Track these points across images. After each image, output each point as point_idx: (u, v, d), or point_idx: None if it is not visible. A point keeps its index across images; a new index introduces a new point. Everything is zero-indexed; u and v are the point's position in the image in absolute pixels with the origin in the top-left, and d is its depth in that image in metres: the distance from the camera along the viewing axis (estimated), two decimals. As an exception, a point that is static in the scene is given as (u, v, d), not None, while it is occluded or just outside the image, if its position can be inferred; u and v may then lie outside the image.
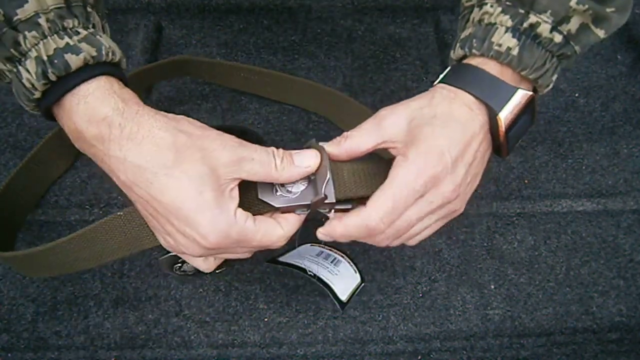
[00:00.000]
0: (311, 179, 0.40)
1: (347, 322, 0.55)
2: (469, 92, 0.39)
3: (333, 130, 0.68)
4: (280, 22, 0.79)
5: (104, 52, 0.36)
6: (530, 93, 0.40)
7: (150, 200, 0.36)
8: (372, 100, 0.70)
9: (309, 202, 0.39)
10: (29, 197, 0.60)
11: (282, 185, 0.40)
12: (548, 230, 0.62)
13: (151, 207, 0.36)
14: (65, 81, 0.35)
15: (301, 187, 0.40)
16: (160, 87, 0.71)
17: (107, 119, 0.35)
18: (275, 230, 0.39)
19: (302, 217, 0.41)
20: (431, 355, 0.54)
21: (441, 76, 0.42)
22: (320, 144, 0.41)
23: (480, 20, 0.40)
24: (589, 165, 0.66)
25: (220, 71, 0.70)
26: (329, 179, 0.39)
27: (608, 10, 0.39)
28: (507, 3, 0.39)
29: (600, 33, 0.40)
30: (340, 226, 0.40)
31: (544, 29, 0.38)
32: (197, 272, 0.55)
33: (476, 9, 0.41)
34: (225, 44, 0.76)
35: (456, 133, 0.39)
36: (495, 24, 0.39)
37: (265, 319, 0.55)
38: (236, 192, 0.37)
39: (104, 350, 0.53)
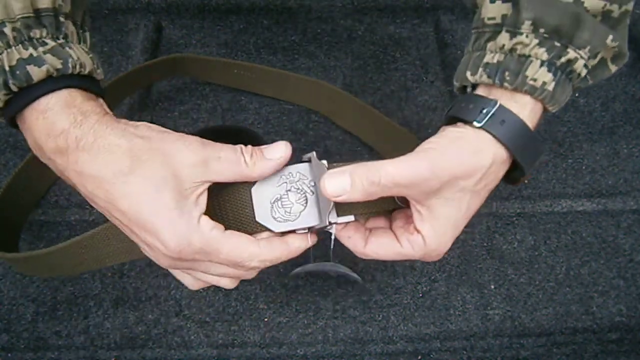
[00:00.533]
0: (309, 198, 0.39)
1: (347, 322, 0.55)
2: (507, 148, 0.37)
3: (333, 131, 0.68)
4: (280, 22, 0.79)
5: (70, 65, 0.35)
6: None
7: (112, 210, 0.35)
8: (372, 100, 0.70)
9: (311, 226, 0.39)
10: (29, 197, 0.60)
11: (280, 205, 0.38)
12: (548, 230, 0.62)
13: (115, 217, 0.35)
14: (27, 92, 0.34)
15: (300, 207, 0.39)
16: (161, 87, 0.71)
17: (64, 133, 0.34)
18: (248, 246, 0.37)
19: (288, 246, 0.39)
20: (431, 355, 0.54)
21: (486, 120, 0.37)
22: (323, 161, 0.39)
23: (512, 50, 0.37)
24: (589, 165, 0.66)
25: (214, 68, 0.71)
26: (332, 205, 0.38)
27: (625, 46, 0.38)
28: (545, 35, 0.36)
29: (613, 69, 0.39)
30: (339, 238, 0.41)
31: (580, 65, 0.37)
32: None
33: (505, 34, 0.37)
34: (225, 44, 0.76)
35: (477, 207, 0.39)
36: (530, 56, 0.37)
37: (265, 319, 0.55)
38: (204, 200, 0.36)
39: (104, 350, 0.53)
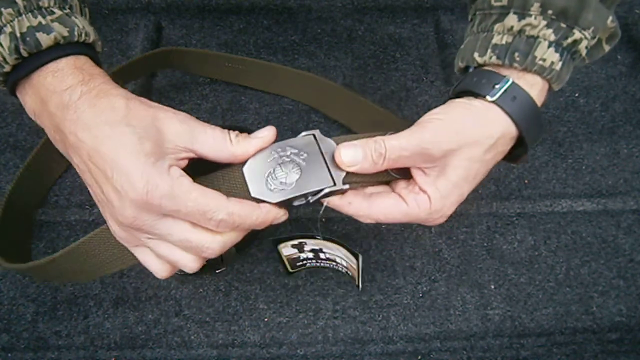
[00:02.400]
0: (302, 167, 0.39)
1: (347, 322, 0.55)
2: (516, 125, 0.38)
3: (333, 131, 0.68)
4: (280, 22, 0.79)
5: (76, 33, 0.37)
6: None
7: (92, 153, 0.35)
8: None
9: (310, 191, 0.39)
10: (33, 200, 0.60)
11: (275, 177, 0.39)
12: (548, 230, 0.62)
13: (91, 162, 0.36)
14: (36, 58, 0.36)
15: (295, 176, 0.39)
16: (161, 87, 0.72)
17: (71, 88, 0.36)
18: (216, 196, 0.36)
19: (260, 208, 0.38)
20: (431, 355, 0.54)
21: (498, 94, 0.39)
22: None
23: (521, 31, 0.39)
24: (589, 165, 0.66)
25: (205, 61, 0.71)
26: (330, 172, 0.39)
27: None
28: (552, 16, 0.38)
29: (607, 49, 0.40)
30: (338, 204, 0.41)
31: (583, 45, 0.38)
32: (197, 272, 0.55)
33: (513, 16, 0.39)
34: (225, 44, 0.76)
35: (482, 177, 0.40)
36: (538, 37, 0.38)
37: (265, 319, 0.55)
38: (181, 166, 0.37)
39: (104, 350, 0.53)
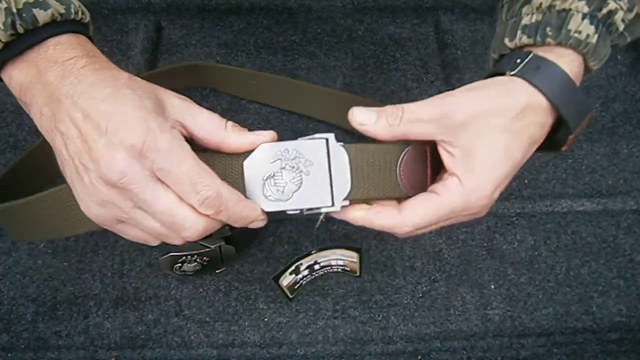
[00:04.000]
0: (304, 178, 0.37)
1: (347, 322, 0.55)
2: (551, 103, 0.37)
3: (333, 131, 0.68)
4: (280, 22, 0.79)
5: (72, 10, 0.37)
6: (595, 109, 0.39)
7: (88, 111, 0.33)
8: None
9: (302, 208, 0.37)
10: (26, 191, 0.60)
11: (273, 184, 0.37)
12: (548, 230, 0.62)
13: (84, 122, 0.34)
14: (31, 35, 0.36)
15: (294, 187, 0.37)
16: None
17: (75, 59, 0.36)
18: (210, 172, 0.34)
19: (248, 203, 0.36)
20: (431, 355, 0.54)
21: (519, 67, 0.37)
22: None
23: (550, 7, 0.37)
24: (589, 165, 0.66)
25: (230, 77, 0.69)
26: (331, 187, 0.37)
27: None
28: None
29: None
30: (365, 220, 0.39)
31: (619, 17, 0.37)
32: (197, 272, 0.55)
33: None
34: (225, 44, 0.76)
35: (518, 155, 0.37)
36: (570, 10, 0.37)
37: (265, 319, 0.55)
38: (177, 130, 0.36)
39: (104, 350, 0.53)
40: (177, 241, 0.37)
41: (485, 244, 0.61)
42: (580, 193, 0.64)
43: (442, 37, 0.78)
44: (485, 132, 0.36)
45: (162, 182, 0.34)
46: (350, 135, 0.66)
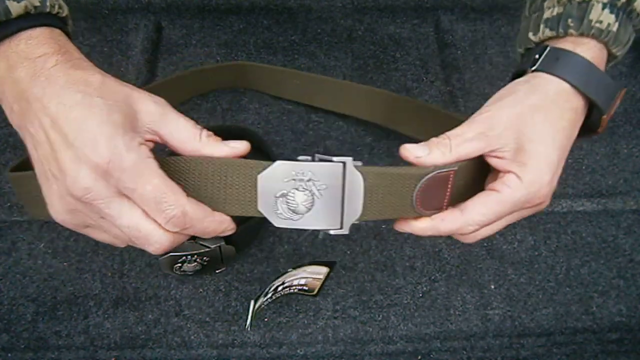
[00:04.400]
0: (316, 201, 0.36)
1: (347, 322, 0.55)
2: (577, 89, 0.38)
3: (334, 131, 0.68)
4: (280, 22, 0.79)
5: (48, 3, 0.36)
6: (624, 89, 0.40)
7: (57, 120, 0.33)
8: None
9: (313, 229, 0.37)
10: None
11: (284, 202, 0.36)
12: (548, 230, 0.62)
13: (53, 130, 0.34)
14: (4, 27, 0.35)
15: (304, 209, 0.37)
16: (160, 87, 0.72)
17: (45, 55, 0.35)
18: (178, 190, 0.34)
19: (214, 216, 0.36)
20: (431, 355, 0.54)
21: (539, 62, 0.40)
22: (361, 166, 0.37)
23: None
24: (589, 165, 0.66)
25: (273, 78, 0.69)
26: (343, 209, 0.37)
27: None
28: None
29: None
30: (431, 228, 0.39)
31: (638, 3, 0.38)
32: (197, 272, 0.55)
33: None
34: (225, 44, 0.76)
35: (563, 140, 0.39)
36: (590, 0, 0.38)
37: (266, 319, 0.55)
38: (148, 146, 0.35)
39: (104, 350, 0.53)
40: (146, 249, 0.36)
41: (485, 244, 0.61)
42: (580, 193, 0.64)
43: (442, 37, 0.78)
44: (528, 128, 0.38)
45: (128, 197, 0.34)
46: (398, 138, 0.66)
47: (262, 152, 0.65)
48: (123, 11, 0.78)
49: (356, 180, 0.36)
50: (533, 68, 0.39)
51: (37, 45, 0.35)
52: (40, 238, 0.59)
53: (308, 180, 0.36)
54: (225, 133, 0.64)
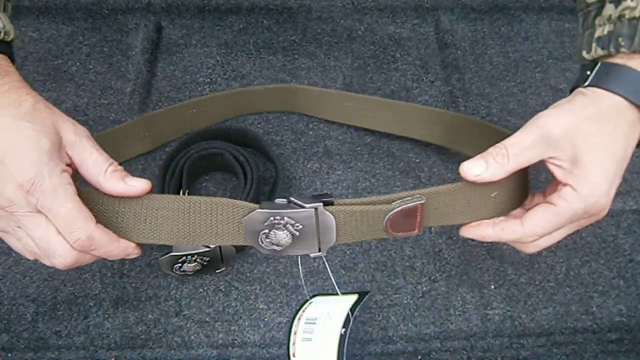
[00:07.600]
0: (295, 237, 0.41)
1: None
2: (630, 101, 0.39)
3: (333, 131, 0.68)
4: (280, 22, 0.79)
5: None
6: None
7: None
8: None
9: (297, 254, 0.43)
10: None
11: (267, 237, 0.41)
12: (548, 230, 0.62)
13: None
14: None
15: (285, 243, 0.42)
16: (161, 87, 0.71)
17: None
18: (87, 219, 0.38)
19: (119, 243, 0.41)
20: (431, 355, 0.54)
21: (590, 78, 0.41)
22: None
23: (620, 17, 0.40)
24: (589, 165, 0.66)
25: (324, 101, 0.68)
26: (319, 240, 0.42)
27: None
28: None
29: None
30: (493, 236, 0.42)
31: None
32: (197, 272, 0.55)
33: (609, 5, 0.40)
34: (225, 44, 0.76)
35: (619, 151, 0.39)
36: None
37: (266, 319, 0.55)
38: (69, 175, 0.38)
39: (104, 350, 0.53)
40: (48, 263, 0.40)
41: (485, 244, 0.61)
42: (580, 193, 0.64)
43: (442, 37, 0.78)
44: (584, 139, 0.39)
45: (44, 214, 0.37)
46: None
47: (262, 152, 0.65)
48: (123, 11, 0.78)
49: (328, 219, 0.41)
50: (585, 84, 0.41)
51: None
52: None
53: (285, 224, 0.41)
54: (225, 133, 0.64)
